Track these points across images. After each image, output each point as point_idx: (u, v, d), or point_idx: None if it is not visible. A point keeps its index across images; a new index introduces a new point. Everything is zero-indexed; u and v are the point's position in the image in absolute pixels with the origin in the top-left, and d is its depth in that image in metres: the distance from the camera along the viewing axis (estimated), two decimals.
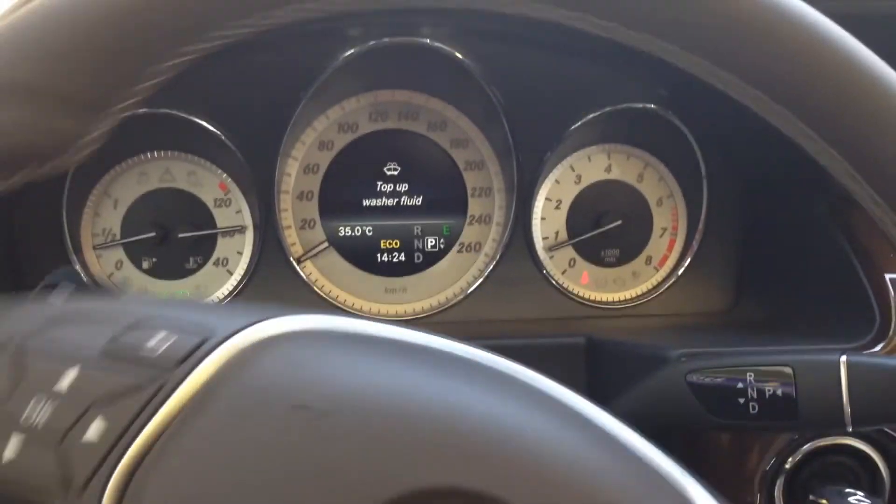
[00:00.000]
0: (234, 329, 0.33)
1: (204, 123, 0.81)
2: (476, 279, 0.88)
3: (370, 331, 0.35)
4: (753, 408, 0.61)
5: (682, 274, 0.90)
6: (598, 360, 0.78)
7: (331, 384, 0.32)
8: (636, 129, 0.87)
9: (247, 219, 0.86)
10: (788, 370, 0.60)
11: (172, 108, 0.80)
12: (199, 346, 0.32)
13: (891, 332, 0.70)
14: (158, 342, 0.32)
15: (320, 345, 0.34)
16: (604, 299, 0.90)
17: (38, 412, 0.31)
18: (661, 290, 0.90)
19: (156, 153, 0.84)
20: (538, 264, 0.89)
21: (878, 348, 0.70)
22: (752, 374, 0.61)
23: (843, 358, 0.58)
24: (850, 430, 0.59)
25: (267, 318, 0.34)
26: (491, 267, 0.88)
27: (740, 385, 0.61)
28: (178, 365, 0.32)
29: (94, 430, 0.31)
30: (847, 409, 0.58)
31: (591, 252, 0.90)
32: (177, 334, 0.33)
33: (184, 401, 0.31)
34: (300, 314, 0.34)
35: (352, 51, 0.80)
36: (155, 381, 0.31)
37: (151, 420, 0.31)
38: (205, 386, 0.31)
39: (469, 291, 0.88)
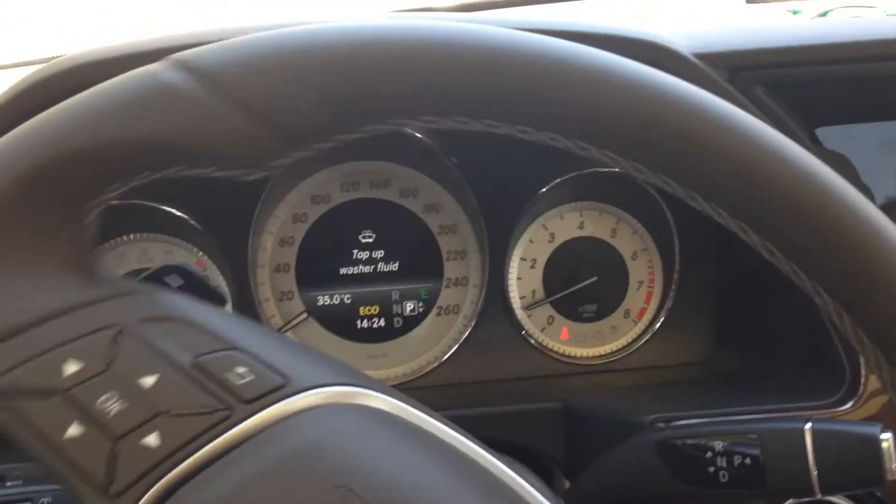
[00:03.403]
0: (312, 384, 0.34)
1: (174, 210, 0.82)
2: (455, 342, 0.89)
3: (436, 429, 0.36)
4: (723, 476, 0.61)
5: (659, 326, 0.90)
6: (573, 426, 0.78)
7: (382, 476, 0.32)
8: (606, 188, 0.88)
9: (225, 294, 0.86)
10: (756, 438, 0.61)
11: (142, 199, 0.81)
12: (276, 390, 0.33)
13: (860, 390, 0.70)
14: (244, 373, 0.34)
15: (387, 430, 0.34)
16: (584, 354, 0.91)
17: (112, 403, 0.32)
18: (640, 343, 0.90)
19: (132, 235, 0.85)
20: (516, 324, 0.89)
21: (848, 405, 0.70)
22: (721, 443, 0.62)
23: (808, 426, 0.59)
24: (819, 496, 0.60)
25: (345, 385, 0.35)
26: (469, 329, 0.89)
27: (709, 454, 0.61)
28: (251, 402, 0.33)
29: (153, 439, 0.32)
30: (814, 476, 0.58)
31: (570, 309, 0.91)
32: (262, 370, 0.34)
33: (243, 437, 0.32)
34: (378, 391, 0.35)
35: None
36: (224, 410, 0.32)
37: (207, 446, 0.32)
38: (267, 431, 0.32)
39: (449, 354, 0.89)
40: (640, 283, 0.91)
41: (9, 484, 0.63)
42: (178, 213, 0.82)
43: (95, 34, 1.20)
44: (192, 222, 0.83)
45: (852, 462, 0.59)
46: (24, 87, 0.70)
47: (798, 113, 0.68)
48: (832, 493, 0.62)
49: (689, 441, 0.63)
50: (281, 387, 0.33)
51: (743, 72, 0.65)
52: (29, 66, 1.08)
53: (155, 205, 0.82)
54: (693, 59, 0.64)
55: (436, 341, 0.90)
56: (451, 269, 0.90)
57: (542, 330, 0.90)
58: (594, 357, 0.90)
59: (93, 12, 1.36)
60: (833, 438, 0.59)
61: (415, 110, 0.37)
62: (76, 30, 1.30)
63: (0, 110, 0.69)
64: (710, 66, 0.65)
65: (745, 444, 0.61)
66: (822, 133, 0.74)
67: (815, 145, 0.75)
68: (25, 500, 0.59)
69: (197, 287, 0.81)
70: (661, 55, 0.63)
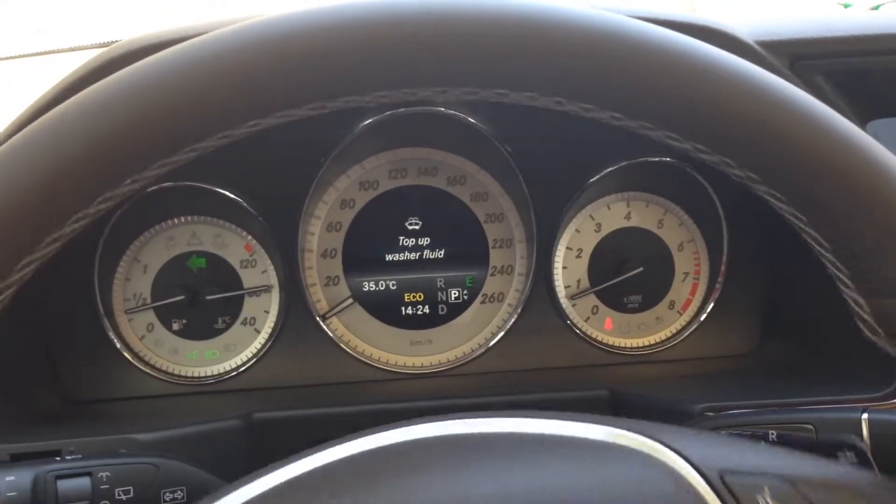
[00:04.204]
0: None
1: (226, 193, 0.83)
2: (500, 329, 0.89)
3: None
4: None
5: (705, 317, 0.90)
6: (621, 414, 0.78)
7: None
8: (654, 178, 0.88)
9: (272, 278, 0.87)
10: (810, 428, 0.60)
11: (195, 180, 0.82)
12: None
13: None
14: None
15: None
16: (628, 345, 0.91)
17: None
18: (686, 335, 0.90)
19: (182, 218, 0.86)
20: (561, 313, 0.90)
21: None
22: (775, 433, 0.61)
23: (865, 416, 0.58)
24: None
25: None
26: (514, 317, 0.89)
27: (763, 443, 0.61)
28: None
29: None
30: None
31: (614, 299, 0.91)
32: None
33: None
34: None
35: (370, 120, 0.82)
36: None
37: None
38: None
39: (493, 342, 0.89)
40: (686, 274, 0.91)
41: (68, 458, 0.63)
42: (231, 196, 0.83)
43: (95, 34, 1.21)
44: (245, 205, 0.83)
45: None
46: (85, 71, 0.71)
47: (855, 103, 0.68)
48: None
49: (742, 430, 0.63)
50: None
51: (804, 60, 0.65)
52: (28, 58, 1.10)
53: (209, 186, 0.82)
54: (755, 46, 0.64)
55: (480, 329, 0.90)
56: (496, 258, 0.90)
57: (587, 319, 0.91)
58: (639, 347, 0.90)
59: (92, 12, 1.38)
60: (890, 428, 0.59)
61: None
62: (76, 31, 1.31)
63: (61, 95, 0.70)
64: (772, 54, 0.64)
65: (799, 434, 0.60)
66: (877, 125, 0.74)
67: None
68: (85, 473, 0.60)
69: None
70: (725, 42, 0.63)
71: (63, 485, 0.58)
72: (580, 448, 0.37)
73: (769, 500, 0.36)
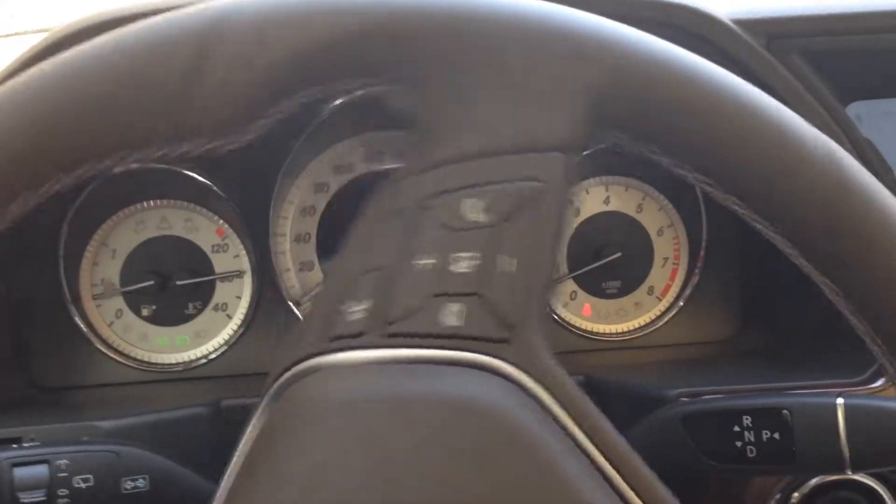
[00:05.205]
0: None
1: (196, 176, 0.81)
2: None
3: None
4: (751, 451, 0.60)
5: (684, 303, 0.89)
6: (596, 400, 0.77)
7: None
8: (633, 163, 0.87)
9: (245, 263, 0.86)
10: (785, 413, 0.59)
11: (164, 163, 0.80)
12: None
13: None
14: None
15: None
16: (606, 331, 0.90)
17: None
18: (665, 320, 0.89)
19: (152, 202, 0.84)
20: None
21: (879, 383, 0.69)
22: (749, 418, 0.60)
23: (840, 401, 0.58)
24: (850, 473, 0.59)
25: None
26: None
27: (737, 429, 0.60)
28: None
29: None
30: (845, 453, 0.57)
31: (593, 284, 0.89)
32: None
33: None
34: None
35: (340, 101, 0.80)
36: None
37: None
38: None
39: None
40: (665, 259, 0.90)
41: (25, 445, 0.62)
42: (202, 180, 0.82)
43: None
44: (215, 189, 0.82)
45: (885, 439, 0.58)
46: (46, 44, 0.70)
47: (835, 84, 0.67)
48: (863, 469, 0.61)
49: (716, 416, 0.62)
50: None
51: (780, 39, 0.64)
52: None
53: (178, 169, 0.81)
54: (730, 24, 0.63)
55: None
56: None
57: (565, 305, 0.89)
58: (617, 333, 0.89)
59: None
60: (865, 414, 0.58)
61: None
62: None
63: (24, 65, 0.69)
64: (748, 33, 0.63)
65: (774, 419, 0.60)
66: (858, 107, 0.73)
67: (846, 124, 0.73)
68: (42, 461, 0.58)
69: None
70: (698, 20, 0.62)
71: (19, 472, 0.57)
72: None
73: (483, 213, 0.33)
